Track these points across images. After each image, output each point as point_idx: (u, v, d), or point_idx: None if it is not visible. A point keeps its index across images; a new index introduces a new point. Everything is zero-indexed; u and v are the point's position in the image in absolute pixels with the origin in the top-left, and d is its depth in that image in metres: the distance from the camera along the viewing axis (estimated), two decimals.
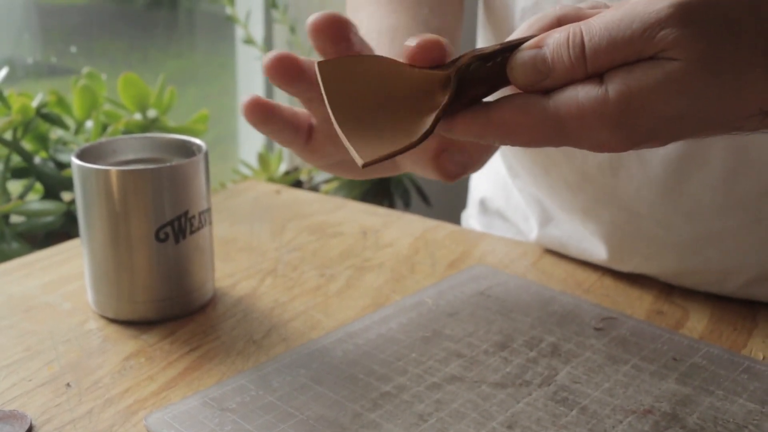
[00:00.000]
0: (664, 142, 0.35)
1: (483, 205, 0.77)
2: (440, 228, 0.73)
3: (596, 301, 0.59)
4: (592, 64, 0.34)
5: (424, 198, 1.34)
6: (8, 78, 0.87)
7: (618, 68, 0.34)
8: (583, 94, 0.34)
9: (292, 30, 1.31)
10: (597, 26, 0.34)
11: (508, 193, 0.73)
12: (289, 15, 1.33)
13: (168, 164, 0.51)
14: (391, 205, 1.26)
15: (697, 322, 0.56)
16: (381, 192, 1.25)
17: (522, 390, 0.46)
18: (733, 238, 0.56)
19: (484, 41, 0.68)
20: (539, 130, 0.36)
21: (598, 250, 0.63)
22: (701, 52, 0.32)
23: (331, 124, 0.44)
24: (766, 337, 0.54)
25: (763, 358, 0.51)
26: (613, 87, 0.33)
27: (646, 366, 0.49)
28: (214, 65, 1.54)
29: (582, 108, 0.34)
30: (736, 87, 0.33)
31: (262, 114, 0.45)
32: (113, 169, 0.50)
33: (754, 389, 0.46)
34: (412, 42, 0.37)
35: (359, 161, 0.34)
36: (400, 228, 0.73)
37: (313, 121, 0.48)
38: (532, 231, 0.69)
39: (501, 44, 0.37)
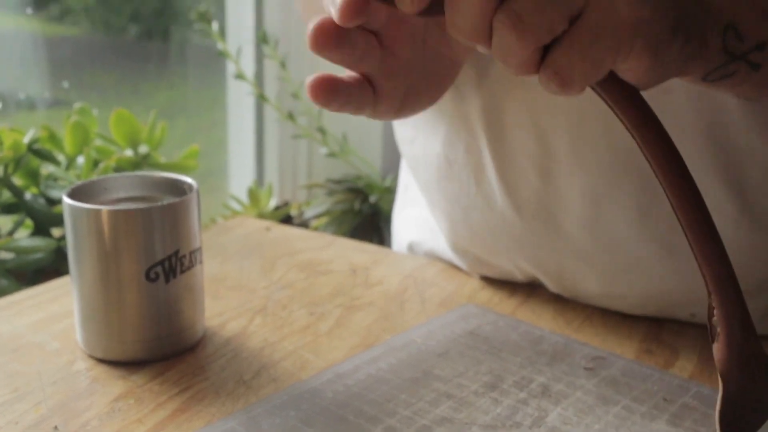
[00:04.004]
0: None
1: (412, 250, 0.78)
2: (430, 266, 0.73)
3: (586, 340, 0.59)
4: None
5: None
6: (0, 112, 0.87)
7: None
8: None
9: (283, 65, 1.32)
10: None
11: (435, 235, 0.74)
12: (280, 50, 1.34)
13: (159, 204, 0.51)
14: (381, 239, 1.27)
15: (686, 361, 0.56)
16: (370, 227, 1.25)
17: None
18: (651, 266, 0.59)
19: None
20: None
21: (529, 275, 0.67)
22: None
23: (390, 62, 0.44)
24: None
25: None
26: None
27: (636, 407, 0.49)
28: (204, 98, 1.55)
29: None
30: None
31: (331, 92, 0.43)
32: (104, 208, 0.50)
33: None
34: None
35: None
36: (389, 266, 0.73)
37: (366, 72, 0.46)
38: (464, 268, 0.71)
39: None
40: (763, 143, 0.54)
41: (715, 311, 0.39)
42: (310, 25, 0.41)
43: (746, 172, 0.55)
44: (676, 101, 0.53)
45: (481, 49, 0.37)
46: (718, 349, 0.40)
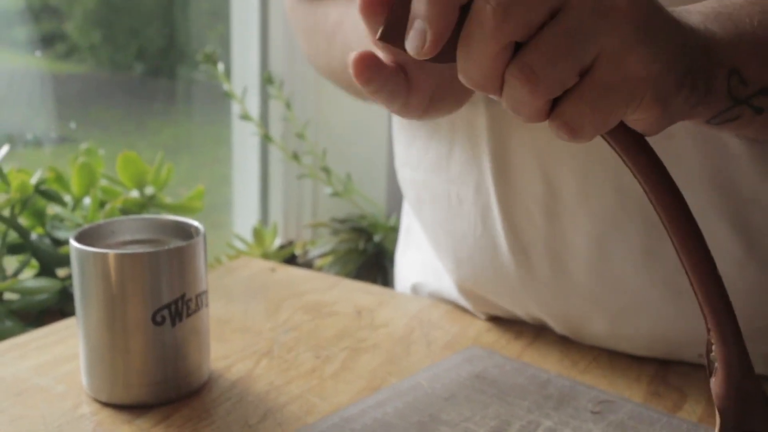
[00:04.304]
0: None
1: (415, 291, 0.77)
2: (435, 307, 0.73)
3: (592, 382, 0.59)
4: None
5: None
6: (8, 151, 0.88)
7: None
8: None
9: (288, 106, 1.33)
10: None
11: (439, 276, 0.74)
12: (285, 91, 1.35)
13: (166, 247, 0.52)
14: (385, 278, 1.27)
15: (695, 404, 0.56)
16: (375, 266, 1.25)
17: None
18: (657, 308, 0.59)
19: None
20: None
21: (535, 317, 0.67)
22: None
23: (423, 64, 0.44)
24: None
25: None
26: None
27: None
28: (209, 134, 1.56)
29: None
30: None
31: (374, 69, 0.42)
32: (111, 252, 0.51)
33: None
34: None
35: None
36: (394, 307, 0.73)
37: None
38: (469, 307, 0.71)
39: None
40: (766, 186, 0.54)
41: (713, 347, 0.40)
42: (351, 58, 0.41)
43: (751, 215, 0.55)
44: (679, 146, 0.53)
45: (492, 96, 0.38)
46: (716, 384, 0.40)
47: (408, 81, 0.45)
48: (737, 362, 0.39)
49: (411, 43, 0.36)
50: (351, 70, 0.42)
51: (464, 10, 0.36)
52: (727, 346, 0.39)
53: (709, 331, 0.40)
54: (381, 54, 0.43)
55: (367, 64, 0.41)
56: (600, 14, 0.35)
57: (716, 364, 0.40)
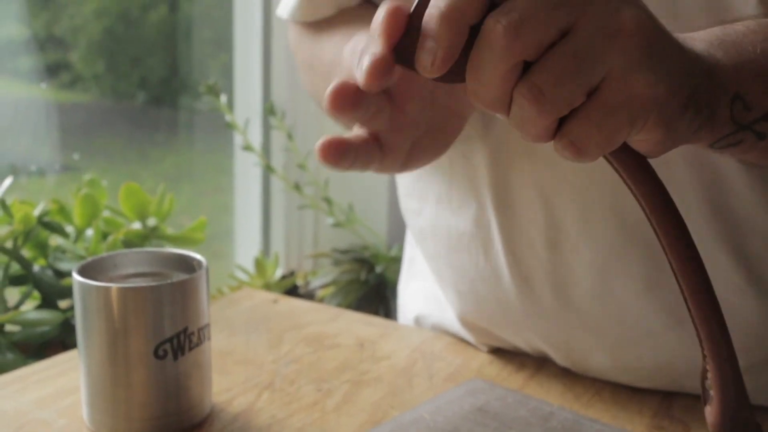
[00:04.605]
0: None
1: (418, 323, 0.77)
2: (437, 339, 0.72)
3: (596, 415, 0.58)
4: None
5: None
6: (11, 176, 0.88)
7: None
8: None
9: (290, 136, 1.34)
10: None
11: (442, 307, 0.74)
12: (287, 122, 1.36)
13: (168, 281, 0.52)
14: (387, 309, 1.26)
15: None
16: (376, 297, 1.25)
17: None
18: (659, 337, 0.59)
19: None
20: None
21: (537, 349, 0.66)
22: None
23: (398, 118, 0.46)
24: None
25: None
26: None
27: None
28: (210, 162, 1.57)
29: None
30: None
31: (340, 154, 0.44)
32: (114, 286, 0.51)
33: None
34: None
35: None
36: (396, 339, 0.72)
37: (375, 129, 0.47)
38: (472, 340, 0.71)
39: None
40: (764, 214, 0.54)
41: (709, 374, 0.40)
42: (329, 89, 0.42)
43: (749, 242, 0.55)
44: (677, 173, 0.53)
45: (499, 116, 0.38)
46: (710, 413, 0.40)
47: (381, 145, 0.47)
48: (734, 392, 0.39)
49: (420, 61, 0.37)
50: (318, 156, 0.44)
51: (474, 30, 0.36)
52: (723, 373, 0.39)
53: (705, 357, 0.40)
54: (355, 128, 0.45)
55: (332, 151, 0.44)
56: (608, 36, 0.36)
57: (711, 392, 0.40)
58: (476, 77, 0.37)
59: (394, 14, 0.37)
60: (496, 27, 0.35)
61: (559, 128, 0.37)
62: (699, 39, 0.43)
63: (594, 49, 0.36)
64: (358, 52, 0.40)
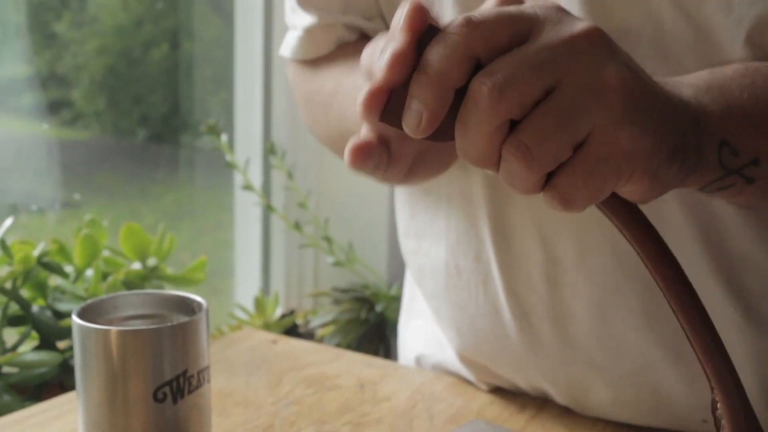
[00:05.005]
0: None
1: (419, 363, 0.77)
2: (438, 380, 0.72)
3: None
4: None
5: None
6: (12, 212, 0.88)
7: None
8: None
9: (290, 176, 1.34)
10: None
11: (442, 346, 0.73)
12: (287, 161, 1.37)
13: (168, 324, 0.52)
14: (387, 348, 1.26)
15: None
16: (376, 336, 1.24)
17: None
18: (659, 371, 0.59)
19: None
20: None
21: (537, 388, 0.66)
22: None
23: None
24: None
25: None
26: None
27: None
28: (210, 199, 1.57)
29: None
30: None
31: (366, 154, 0.46)
32: (113, 329, 0.51)
33: None
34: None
35: None
36: (397, 380, 0.72)
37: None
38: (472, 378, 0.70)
39: None
40: (758, 250, 0.54)
41: (719, 404, 0.40)
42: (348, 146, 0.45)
43: (744, 278, 0.55)
44: (669, 211, 0.54)
45: (488, 171, 0.39)
46: None
47: (389, 153, 0.47)
48: (744, 418, 0.40)
49: (408, 123, 0.38)
50: (348, 158, 0.45)
51: (460, 92, 0.37)
52: (732, 402, 0.40)
53: (713, 389, 0.40)
54: (366, 128, 0.46)
55: (362, 154, 0.45)
56: (592, 93, 0.37)
57: (723, 422, 0.41)
58: (464, 136, 0.37)
59: (418, 9, 0.38)
60: (481, 89, 0.36)
61: (547, 181, 0.38)
62: (687, 84, 0.43)
63: (579, 105, 0.36)
64: (377, 51, 0.40)
